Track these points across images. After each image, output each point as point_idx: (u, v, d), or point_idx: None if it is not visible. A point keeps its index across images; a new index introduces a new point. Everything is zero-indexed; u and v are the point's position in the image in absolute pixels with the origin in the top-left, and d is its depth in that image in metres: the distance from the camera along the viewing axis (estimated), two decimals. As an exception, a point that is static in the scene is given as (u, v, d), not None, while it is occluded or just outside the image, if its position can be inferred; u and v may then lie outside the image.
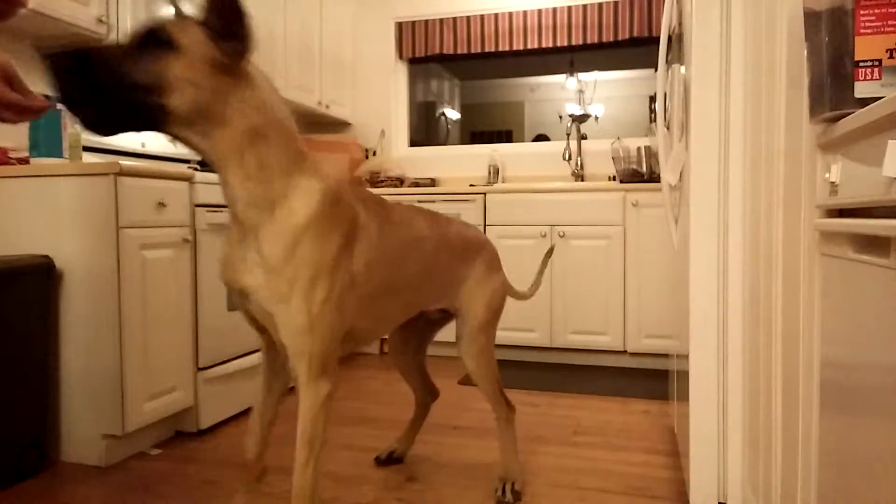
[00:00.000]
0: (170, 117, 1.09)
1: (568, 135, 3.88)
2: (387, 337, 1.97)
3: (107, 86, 1.04)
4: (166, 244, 2.14)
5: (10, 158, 2.13)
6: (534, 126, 8.56)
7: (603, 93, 7.93)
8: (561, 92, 8.08)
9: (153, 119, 1.09)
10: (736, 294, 1.56)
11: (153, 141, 2.76)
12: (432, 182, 3.99)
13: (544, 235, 3.33)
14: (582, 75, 7.78)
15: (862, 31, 0.79)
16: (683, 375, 1.78)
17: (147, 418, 2.06)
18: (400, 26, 4.24)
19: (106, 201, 1.95)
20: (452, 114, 8.60)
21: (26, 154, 2.14)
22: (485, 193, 3.44)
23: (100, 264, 1.97)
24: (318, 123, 4.26)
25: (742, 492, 1.57)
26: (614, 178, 3.67)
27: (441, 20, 4.15)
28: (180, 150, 2.74)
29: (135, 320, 2.01)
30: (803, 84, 0.97)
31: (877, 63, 0.79)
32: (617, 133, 4.00)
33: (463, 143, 8.06)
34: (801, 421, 1.02)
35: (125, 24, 2.41)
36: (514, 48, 4.03)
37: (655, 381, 3.01)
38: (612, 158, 3.58)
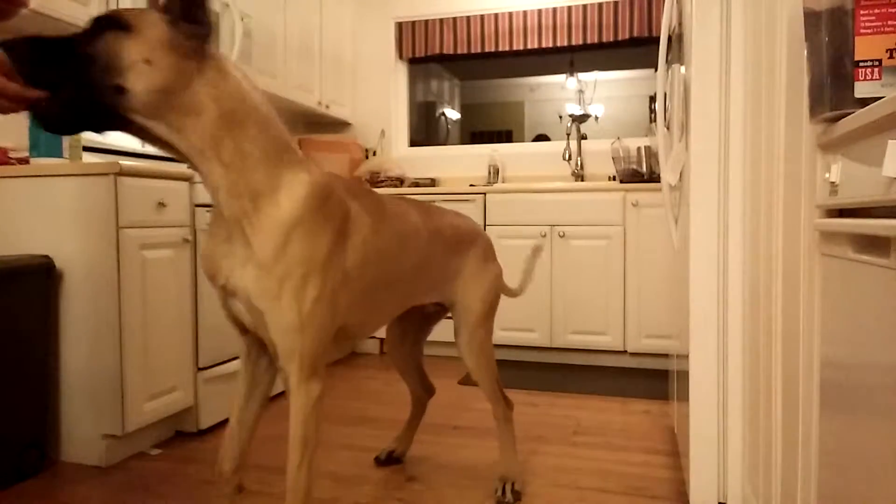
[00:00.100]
0: (130, 101, 1.05)
1: (568, 135, 3.88)
2: (385, 336, 1.97)
3: (64, 68, 1.02)
4: (166, 244, 2.14)
5: (10, 158, 2.13)
6: (534, 126, 8.56)
7: (603, 93, 7.93)
8: (561, 92, 8.08)
9: (114, 104, 1.05)
10: (736, 294, 1.56)
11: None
12: (432, 182, 3.99)
13: (544, 235, 3.33)
14: (582, 75, 7.78)
15: (862, 31, 0.79)
16: (683, 375, 1.78)
17: (147, 418, 2.06)
18: (400, 26, 4.24)
19: (106, 201, 1.95)
20: (452, 114, 8.60)
21: (26, 154, 2.14)
22: (485, 193, 3.44)
23: (100, 264, 1.97)
24: (318, 123, 4.26)
25: (742, 492, 1.57)
26: (614, 178, 3.67)
27: (441, 20, 4.15)
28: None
29: (135, 320, 2.01)
30: (803, 84, 0.97)
31: (877, 63, 0.79)
32: (617, 133, 4.00)
33: (463, 143, 8.06)
34: (801, 421, 1.02)
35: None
36: (514, 48, 4.03)
37: (655, 381, 3.01)
38: (612, 158, 3.58)
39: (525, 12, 3.98)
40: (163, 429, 2.23)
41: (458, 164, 4.14)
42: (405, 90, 4.38)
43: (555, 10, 3.92)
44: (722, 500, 1.60)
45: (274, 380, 1.43)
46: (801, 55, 0.96)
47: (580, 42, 3.91)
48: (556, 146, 4.02)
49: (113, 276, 1.96)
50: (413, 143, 4.44)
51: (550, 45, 3.97)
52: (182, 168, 2.24)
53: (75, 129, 1.08)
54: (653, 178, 3.39)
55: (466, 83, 8.85)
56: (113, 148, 2.55)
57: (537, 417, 2.49)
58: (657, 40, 2.01)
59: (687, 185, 1.68)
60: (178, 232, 2.18)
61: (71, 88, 1.03)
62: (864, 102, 0.78)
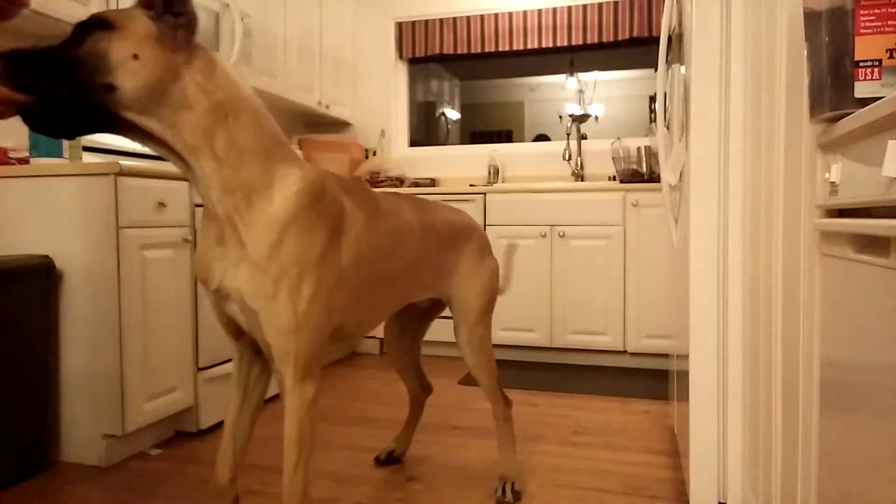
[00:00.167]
0: (121, 98, 1.04)
1: (568, 135, 3.88)
2: (383, 334, 1.97)
3: (53, 75, 1.02)
4: (166, 244, 2.14)
5: (10, 158, 2.13)
6: (534, 126, 8.57)
7: (603, 93, 7.93)
8: (561, 92, 8.09)
9: (105, 103, 1.04)
10: (736, 294, 1.56)
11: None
12: (432, 182, 3.99)
13: (544, 235, 3.33)
14: (582, 75, 7.78)
15: (862, 31, 0.79)
16: (683, 375, 1.78)
17: (147, 418, 2.06)
18: (400, 26, 4.24)
19: (106, 201, 1.95)
20: (452, 114, 8.61)
21: (26, 154, 2.14)
22: (485, 193, 3.45)
23: (100, 264, 1.97)
24: (318, 123, 4.26)
25: (742, 492, 1.57)
26: (614, 178, 3.68)
27: (441, 20, 4.15)
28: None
29: (135, 320, 2.01)
30: (803, 84, 0.97)
31: (877, 63, 0.79)
32: (617, 133, 4.00)
33: (463, 143, 8.06)
34: (801, 421, 1.02)
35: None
36: (514, 48, 4.03)
37: (655, 381, 3.01)
38: (612, 158, 3.58)
39: (525, 12, 3.98)
40: (163, 429, 2.23)
41: (458, 164, 4.14)
42: (405, 90, 4.38)
43: (555, 10, 3.93)
44: (722, 500, 1.60)
45: (267, 386, 1.42)
46: (801, 55, 0.96)
47: (580, 42, 3.91)
48: (556, 146, 4.02)
49: (113, 276, 1.96)
50: (413, 143, 4.44)
51: (550, 45, 3.97)
52: (182, 168, 2.24)
53: (67, 131, 1.07)
54: (653, 178, 3.39)
55: (466, 83, 8.85)
56: (113, 148, 2.55)
57: (537, 417, 2.49)
58: (657, 40, 2.01)
59: (687, 185, 1.68)
60: (178, 232, 2.18)
61: (62, 92, 1.03)
62: (864, 102, 0.78)
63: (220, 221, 1.18)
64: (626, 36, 3.82)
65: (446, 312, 1.77)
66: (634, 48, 4.14)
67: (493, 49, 4.07)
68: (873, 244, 0.73)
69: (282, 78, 3.43)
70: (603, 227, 3.25)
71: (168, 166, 2.36)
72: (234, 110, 1.14)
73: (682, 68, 1.81)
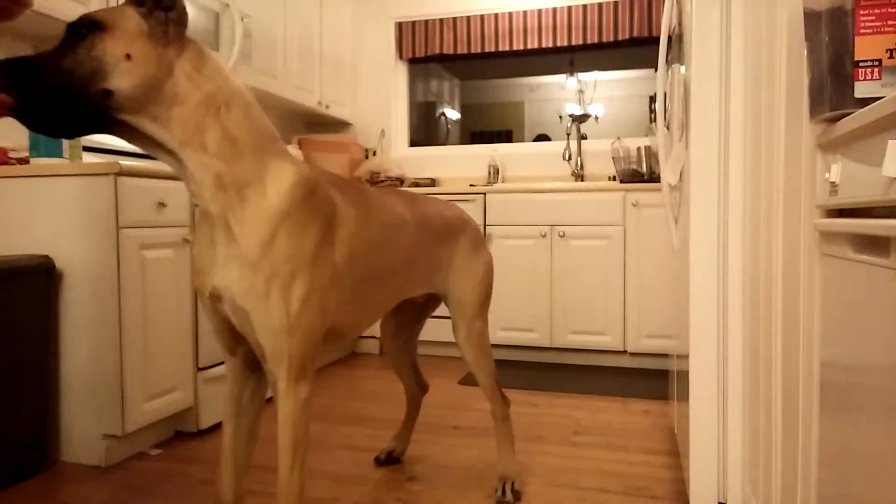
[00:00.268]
0: (118, 101, 1.04)
1: (568, 135, 3.88)
2: (380, 332, 1.97)
3: (50, 87, 1.01)
4: (166, 244, 2.14)
5: (10, 158, 2.13)
6: (534, 126, 8.57)
7: (603, 93, 7.93)
8: (561, 92, 8.09)
9: (104, 106, 1.04)
10: (736, 294, 1.56)
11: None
12: (432, 182, 3.99)
13: (544, 235, 3.33)
14: (582, 75, 7.78)
15: (862, 31, 0.79)
16: (683, 375, 1.78)
17: (147, 418, 2.06)
18: (400, 26, 4.24)
19: (106, 201, 1.95)
20: (452, 114, 8.60)
21: (26, 154, 2.14)
22: (485, 193, 3.44)
23: (100, 264, 1.97)
24: (318, 123, 4.26)
25: (742, 492, 1.57)
26: (614, 178, 3.68)
27: (441, 20, 4.15)
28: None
29: (135, 320, 2.01)
30: (803, 84, 0.97)
31: (877, 63, 0.79)
32: (617, 133, 4.00)
33: (463, 143, 8.06)
34: (801, 421, 1.02)
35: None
36: (514, 48, 4.03)
37: (655, 381, 3.01)
38: (612, 158, 3.58)
39: (525, 12, 3.98)
40: (163, 429, 2.23)
41: (458, 164, 4.14)
42: (405, 90, 4.38)
43: (555, 10, 3.93)
44: (722, 500, 1.60)
45: (261, 409, 1.38)
46: (801, 55, 0.96)
47: (580, 42, 3.91)
48: (556, 146, 4.02)
49: (113, 276, 1.96)
50: (413, 143, 4.44)
51: (550, 45, 3.97)
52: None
53: (62, 132, 1.06)
54: (653, 178, 3.39)
55: (466, 83, 8.85)
56: (113, 148, 2.55)
57: (537, 417, 2.49)
58: (657, 40, 2.01)
59: (687, 185, 1.68)
60: (178, 232, 2.18)
61: (59, 100, 1.02)
62: (864, 102, 0.78)
63: (212, 221, 1.16)
64: (626, 36, 3.82)
65: (444, 312, 1.77)
66: (634, 48, 4.14)
67: (493, 49, 4.07)
68: (873, 244, 0.73)
69: (282, 78, 3.43)
70: (603, 227, 3.25)
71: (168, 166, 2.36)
72: (225, 102, 1.13)
73: (682, 68, 1.81)
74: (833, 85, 0.81)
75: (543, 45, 3.98)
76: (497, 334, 3.39)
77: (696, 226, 1.61)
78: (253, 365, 1.35)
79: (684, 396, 1.74)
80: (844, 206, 0.83)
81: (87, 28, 1.04)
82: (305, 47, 3.66)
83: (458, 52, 4.13)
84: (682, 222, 1.83)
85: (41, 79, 1.02)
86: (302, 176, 1.19)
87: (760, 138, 1.34)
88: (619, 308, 3.24)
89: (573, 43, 3.93)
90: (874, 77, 0.79)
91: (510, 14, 4.01)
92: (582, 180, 3.86)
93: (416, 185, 3.88)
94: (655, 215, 3.17)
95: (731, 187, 1.56)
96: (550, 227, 3.33)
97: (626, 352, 3.28)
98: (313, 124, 4.27)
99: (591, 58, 7.22)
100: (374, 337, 3.66)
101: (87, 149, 2.36)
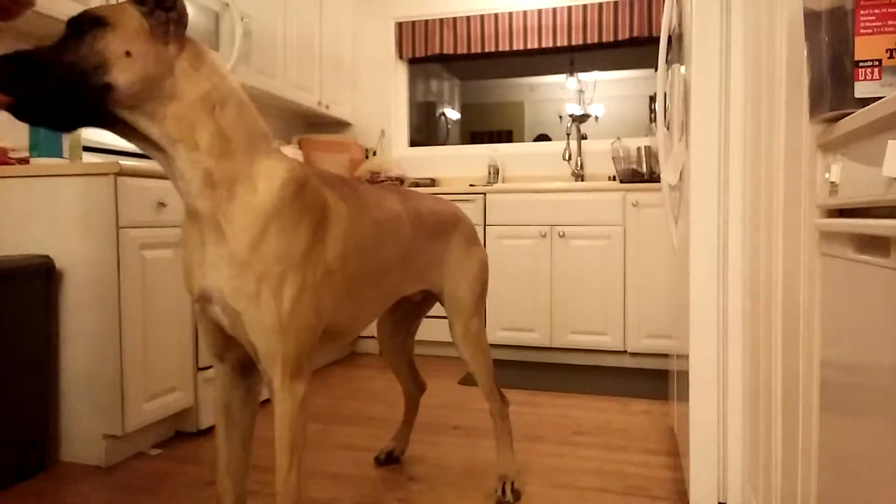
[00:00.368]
0: (116, 96, 1.04)
1: (568, 135, 3.88)
2: (376, 331, 1.97)
3: (51, 80, 1.01)
4: (166, 244, 2.14)
5: (10, 158, 2.13)
6: (534, 126, 8.57)
7: (603, 93, 7.93)
8: (561, 92, 8.09)
9: (102, 101, 1.04)
10: (736, 294, 1.56)
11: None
12: (432, 182, 3.99)
13: (544, 235, 3.33)
14: (582, 75, 7.78)
15: (862, 31, 0.79)
16: (683, 375, 1.78)
17: (147, 418, 2.06)
18: (400, 26, 4.24)
19: (106, 201, 1.95)
20: (452, 114, 8.60)
21: (26, 154, 2.14)
22: (485, 193, 3.45)
23: (100, 264, 1.97)
24: (318, 123, 4.26)
25: (742, 492, 1.57)
26: (614, 178, 3.68)
27: (441, 20, 4.15)
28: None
29: (135, 320, 2.01)
30: (803, 84, 0.97)
31: (877, 63, 0.79)
32: (617, 133, 4.00)
33: (463, 143, 8.06)
34: (801, 421, 1.02)
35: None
36: (514, 48, 4.03)
37: (655, 381, 3.01)
38: (612, 158, 3.58)
39: (525, 12, 3.98)
40: (163, 429, 2.23)
41: (458, 164, 4.14)
42: (405, 90, 4.38)
43: (555, 10, 3.93)
44: (722, 501, 1.60)
45: (254, 417, 1.37)
46: (801, 55, 0.96)
47: (580, 42, 3.91)
48: (556, 146, 4.02)
49: (113, 276, 1.96)
50: (413, 143, 4.44)
51: (550, 45, 3.97)
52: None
53: (53, 125, 1.06)
54: (653, 178, 3.39)
55: (466, 83, 8.85)
56: (113, 148, 2.55)
57: (537, 417, 2.49)
58: (657, 40, 2.01)
59: (687, 185, 1.68)
60: (178, 232, 2.18)
61: (59, 95, 1.02)
62: (864, 102, 0.78)
63: (201, 221, 1.15)
64: (626, 36, 3.82)
65: (443, 312, 1.77)
66: (634, 48, 4.14)
67: (493, 49, 4.07)
68: (873, 244, 0.73)
69: (282, 78, 3.43)
70: (603, 227, 3.25)
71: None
72: (220, 100, 1.14)
73: (682, 68, 1.81)
74: (833, 85, 0.81)
75: (543, 45, 3.98)
76: (497, 334, 3.39)
77: (696, 226, 1.61)
78: (243, 371, 1.33)
79: (684, 396, 1.74)
80: (844, 206, 0.83)
81: (90, 24, 1.05)
82: (305, 47, 3.66)
83: (458, 52, 4.13)
84: (682, 222, 1.83)
85: (42, 72, 1.02)
86: (292, 173, 1.19)
87: (760, 138, 1.34)
88: (618, 308, 3.24)
89: (573, 43, 3.93)
90: (874, 77, 0.79)
91: (510, 14, 4.01)
92: (582, 180, 3.86)
93: (416, 185, 3.88)
94: (655, 215, 3.17)
95: (731, 187, 1.56)
96: (550, 227, 3.33)
97: (625, 352, 3.28)
98: (313, 124, 4.28)
99: (591, 58, 7.22)
100: (373, 337, 3.66)
101: (87, 149, 2.36)
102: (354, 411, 2.58)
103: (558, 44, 3.95)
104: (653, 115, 3.91)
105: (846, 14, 0.80)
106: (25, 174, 2.02)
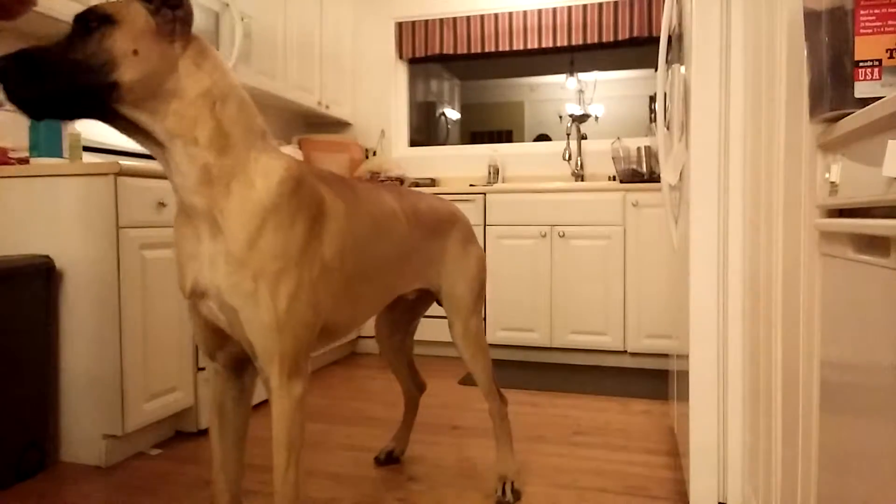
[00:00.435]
0: (121, 94, 1.05)
1: (568, 135, 3.88)
2: (375, 331, 1.97)
3: (59, 78, 1.01)
4: (166, 244, 2.14)
5: (10, 158, 2.13)
6: (534, 126, 8.57)
7: (603, 93, 7.93)
8: (561, 92, 8.09)
9: (108, 98, 1.04)
10: (736, 294, 1.56)
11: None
12: (432, 182, 3.99)
13: (544, 235, 3.33)
14: (582, 75, 7.78)
15: (862, 31, 0.79)
16: (683, 375, 1.78)
17: (147, 418, 2.06)
18: (400, 26, 4.24)
19: (106, 201, 1.95)
20: (452, 114, 8.60)
21: (26, 154, 2.14)
22: (485, 193, 3.44)
23: (100, 264, 1.97)
24: (318, 123, 4.26)
25: (742, 492, 1.57)
26: (614, 178, 3.68)
27: (441, 20, 4.15)
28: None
29: (135, 320, 2.01)
30: (803, 84, 0.97)
31: (877, 63, 0.79)
32: (617, 133, 4.00)
33: (463, 143, 8.05)
34: (801, 421, 1.02)
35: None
36: (514, 48, 4.03)
37: (655, 381, 3.01)
38: (612, 158, 3.58)
39: (525, 12, 3.98)
40: (163, 429, 2.23)
41: (458, 164, 4.14)
42: (405, 90, 4.38)
43: (555, 10, 3.93)
44: (722, 500, 1.60)
45: (248, 417, 1.36)
46: (801, 55, 0.96)
47: (580, 42, 3.91)
48: (556, 146, 4.02)
49: (113, 276, 1.96)
50: (413, 143, 4.44)
51: (550, 45, 3.97)
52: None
53: (53, 116, 1.06)
54: (653, 178, 3.39)
55: (466, 83, 8.84)
56: (113, 148, 2.55)
57: (537, 417, 2.49)
58: (657, 40, 2.01)
59: (687, 185, 1.68)
60: (178, 232, 2.18)
61: (66, 89, 1.02)
62: (864, 102, 0.78)
63: (196, 217, 1.15)
64: (626, 36, 3.82)
65: (442, 312, 1.77)
66: (634, 48, 4.14)
67: (493, 49, 4.07)
68: (873, 244, 0.73)
69: (282, 78, 3.43)
70: (603, 227, 3.25)
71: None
72: (221, 96, 1.14)
73: (682, 68, 1.81)
74: (833, 85, 0.81)
75: (543, 45, 3.98)
76: (497, 334, 3.39)
77: (696, 226, 1.61)
78: (236, 370, 1.33)
79: (684, 396, 1.74)
80: (844, 206, 0.83)
81: (98, 21, 1.05)
82: (305, 47, 3.66)
83: (458, 52, 4.13)
84: (682, 222, 1.83)
85: (51, 70, 1.02)
86: (290, 171, 1.19)
87: (760, 138, 1.34)
88: (619, 308, 3.24)
89: (573, 43, 3.93)
90: (874, 77, 0.79)
91: (510, 14, 4.01)
92: (582, 180, 3.86)
93: (416, 185, 3.88)
94: (655, 215, 3.17)
95: (731, 187, 1.56)
96: (550, 226, 3.33)
97: (625, 352, 3.28)
98: (313, 124, 4.28)
99: (591, 58, 7.22)
100: (373, 337, 3.64)
101: (87, 149, 2.36)
102: (354, 411, 2.58)
103: (558, 44, 3.95)
104: (653, 115, 3.91)
105: (846, 14, 0.80)
106: (25, 174, 2.02)
